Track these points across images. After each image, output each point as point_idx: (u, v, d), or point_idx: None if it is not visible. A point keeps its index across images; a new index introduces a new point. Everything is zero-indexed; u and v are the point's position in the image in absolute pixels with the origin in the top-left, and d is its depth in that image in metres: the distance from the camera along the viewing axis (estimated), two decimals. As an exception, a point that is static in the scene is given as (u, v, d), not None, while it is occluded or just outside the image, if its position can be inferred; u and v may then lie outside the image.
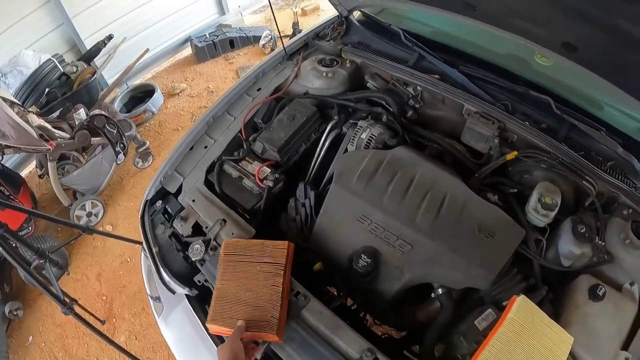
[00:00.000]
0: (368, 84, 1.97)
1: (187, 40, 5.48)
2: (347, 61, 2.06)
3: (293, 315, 1.34)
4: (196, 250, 1.56)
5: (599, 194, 1.60)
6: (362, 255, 1.41)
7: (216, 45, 5.33)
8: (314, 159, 1.80)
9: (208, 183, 1.74)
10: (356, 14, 2.34)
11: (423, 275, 1.43)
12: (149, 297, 1.90)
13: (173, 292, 1.72)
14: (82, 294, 3.20)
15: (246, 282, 1.36)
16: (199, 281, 1.60)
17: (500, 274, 1.39)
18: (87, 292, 3.23)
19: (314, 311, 1.35)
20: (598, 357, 1.33)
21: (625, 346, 1.35)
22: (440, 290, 1.43)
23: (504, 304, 1.34)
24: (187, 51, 5.61)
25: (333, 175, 1.55)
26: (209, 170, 1.77)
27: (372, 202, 1.45)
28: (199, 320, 1.64)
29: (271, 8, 2.07)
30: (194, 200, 1.67)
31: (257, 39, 5.48)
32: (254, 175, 1.71)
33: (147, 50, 4.39)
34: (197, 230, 1.65)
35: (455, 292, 1.45)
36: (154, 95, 4.66)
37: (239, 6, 5.95)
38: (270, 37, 5.31)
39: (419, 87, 1.85)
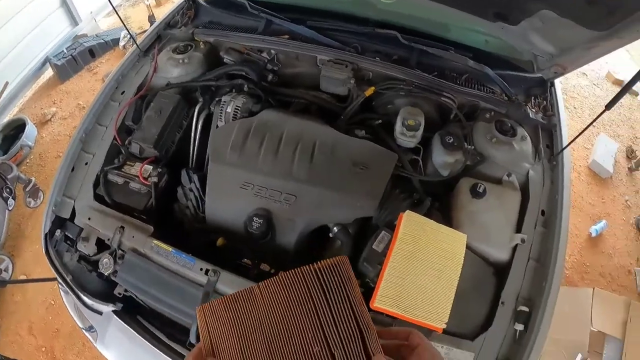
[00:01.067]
0: (225, 60, 2.01)
1: (46, 61, 5.09)
2: (201, 43, 2.07)
3: (209, 290, 1.40)
4: (106, 264, 1.57)
5: (460, 105, 1.80)
6: (254, 218, 1.49)
7: (76, 58, 5.01)
8: (191, 144, 1.84)
9: (98, 197, 1.73)
10: None
11: (314, 219, 1.54)
12: (82, 330, 1.88)
13: (100, 313, 1.72)
14: (21, 353, 3.04)
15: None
16: (120, 293, 1.62)
17: (384, 198, 1.54)
18: (25, 350, 3.08)
19: (227, 282, 1.42)
20: (495, 245, 1.52)
21: (519, 230, 1.56)
22: (335, 228, 1.55)
23: (395, 223, 1.47)
24: (49, 72, 5.21)
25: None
26: (96, 184, 1.76)
27: (249, 168, 1.54)
28: (133, 331, 1.65)
29: (115, 10, 2.03)
30: (89, 219, 1.66)
31: (116, 41, 5.23)
32: (138, 177, 1.71)
33: (7, 84, 4.06)
34: (102, 245, 1.65)
35: (352, 226, 1.58)
36: (26, 129, 4.31)
37: (91, 12, 5.58)
38: (128, 36, 5.09)
39: (272, 51, 1.93)
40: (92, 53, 5.14)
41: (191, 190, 1.70)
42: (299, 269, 0.69)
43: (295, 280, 0.68)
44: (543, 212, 1.62)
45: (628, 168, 4.26)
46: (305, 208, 1.52)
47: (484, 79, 1.87)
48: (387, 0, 1.92)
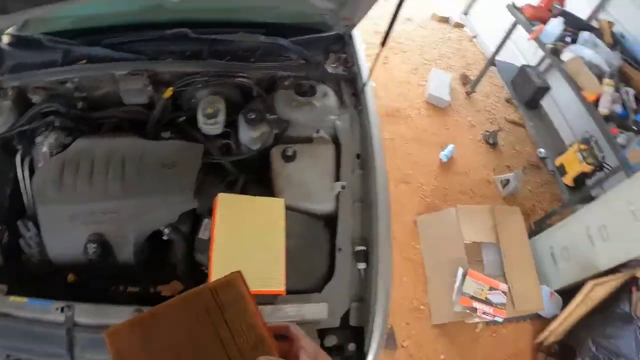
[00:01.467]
0: (33, 100, 1.98)
1: None
2: (9, 90, 2.01)
3: (69, 326, 1.40)
4: None
5: (259, 81, 1.93)
6: (88, 245, 1.52)
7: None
8: (24, 193, 1.81)
9: None
10: (5, 38, 2.24)
11: (141, 229, 1.60)
12: None
13: None
14: None
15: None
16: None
17: (200, 187, 1.64)
18: None
19: (84, 313, 1.42)
20: (318, 199, 1.67)
21: (338, 178, 1.69)
22: (166, 230, 1.61)
23: None
24: None
25: None
26: None
27: (70, 200, 1.57)
28: None
29: None
30: None
31: None
32: (-22, 240, 1.67)
33: None
34: None
35: (184, 223, 1.66)
36: None
37: None
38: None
39: (75, 79, 1.93)
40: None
41: (31, 238, 1.68)
42: (195, 289, 0.77)
43: (193, 301, 0.76)
44: (358, 156, 1.77)
45: (466, 93, 4.74)
46: (129, 221, 1.57)
47: (281, 49, 2.01)
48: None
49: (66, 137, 1.79)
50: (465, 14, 5.89)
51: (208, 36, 1.93)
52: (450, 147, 4.02)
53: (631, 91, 3.11)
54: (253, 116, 1.77)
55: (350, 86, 2.00)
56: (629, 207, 2.65)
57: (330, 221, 1.65)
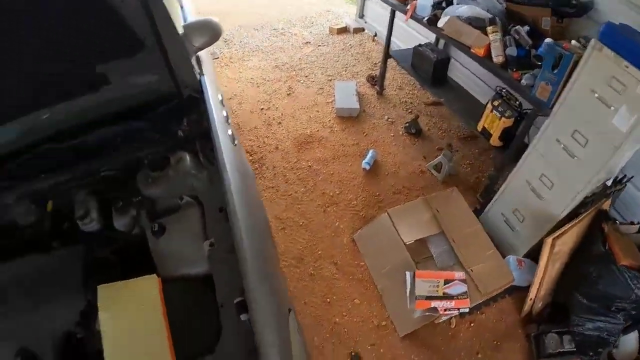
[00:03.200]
0: None
1: None
2: None
3: None
4: None
5: (124, 169, 1.91)
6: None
7: None
8: None
9: None
10: None
11: (55, 334, 1.63)
12: None
13: None
14: None
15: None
16: None
17: (86, 283, 1.69)
18: None
19: None
20: (192, 263, 1.67)
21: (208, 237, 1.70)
22: (76, 329, 1.63)
23: None
24: None
25: None
26: None
27: None
28: None
29: None
30: None
31: None
32: None
33: None
34: None
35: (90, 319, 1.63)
36: None
37: None
38: None
39: None
40: None
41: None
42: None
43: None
44: (221, 209, 1.75)
45: (376, 93, 4.72)
46: (42, 330, 1.61)
47: (138, 131, 1.95)
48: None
49: None
50: (361, 16, 5.97)
51: (67, 144, 1.87)
52: (370, 152, 3.93)
53: (522, 29, 2.96)
54: (120, 204, 1.81)
55: (207, 141, 1.93)
56: (559, 146, 2.57)
57: (209, 280, 1.64)
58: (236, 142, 2.14)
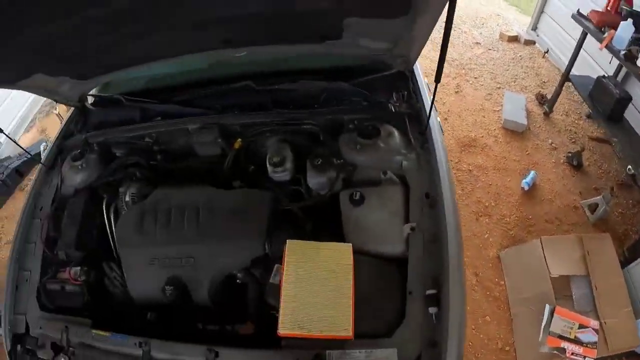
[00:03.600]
0: (117, 154, 2.17)
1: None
2: (95, 145, 2.22)
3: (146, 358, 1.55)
4: None
5: (325, 125, 1.96)
6: (165, 287, 1.64)
7: (6, 182, 5.02)
8: (110, 237, 1.98)
9: (44, 306, 1.85)
10: (89, 99, 2.49)
11: (216, 272, 1.70)
12: None
13: None
14: None
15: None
16: None
17: (271, 233, 1.70)
18: None
19: (158, 349, 1.55)
20: (388, 242, 1.66)
21: (408, 219, 1.65)
22: (239, 274, 1.70)
23: None
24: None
25: None
26: (39, 296, 1.87)
27: (150, 244, 1.72)
28: None
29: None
30: (40, 327, 1.79)
31: (39, 155, 5.23)
32: (69, 280, 1.84)
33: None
34: (58, 348, 1.74)
35: (257, 267, 1.72)
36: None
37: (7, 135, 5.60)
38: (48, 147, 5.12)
39: (152, 134, 2.10)
40: (19, 173, 5.17)
41: (115, 278, 1.85)
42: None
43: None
44: (427, 195, 1.70)
45: (543, 113, 4.47)
46: (204, 265, 1.68)
47: (343, 92, 2.05)
48: (240, 54, 2.06)
49: (146, 187, 1.96)
50: (534, 29, 5.64)
51: (269, 87, 2.04)
52: (532, 173, 3.81)
53: None
54: (319, 162, 1.80)
55: (416, 123, 1.96)
56: None
57: (400, 264, 1.61)
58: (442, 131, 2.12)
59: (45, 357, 1.77)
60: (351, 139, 1.86)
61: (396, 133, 1.89)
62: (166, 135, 2.11)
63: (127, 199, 1.93)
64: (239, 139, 1.93)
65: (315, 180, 1.82)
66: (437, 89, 1.64)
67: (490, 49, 5.41)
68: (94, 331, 1.67)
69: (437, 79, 1.56)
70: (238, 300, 1.75)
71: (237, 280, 1.71)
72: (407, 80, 2.10)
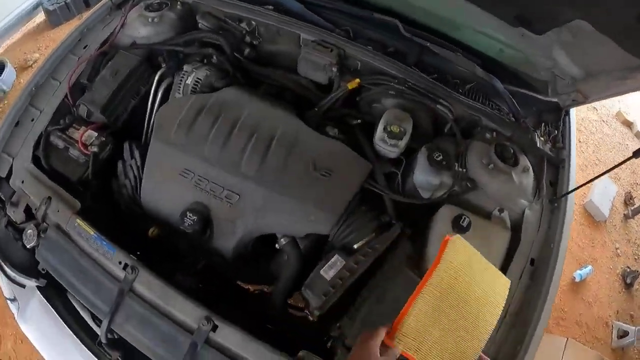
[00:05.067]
0: (200, 25, 1.76)
1: (38, 4, 4.77)
2: (178, 3, 1.81)
3: (124, 288, 1.23)
4: (29, 236, 1.41)
5: (458, 118, 1.55)
6: (188, 213, 1.27)
7: (69, 5, 4.69)
8: (147, 114, 1.60)
9: (37, 160, 1.53)
10: None
11: (258, 226, 1.31)
12: (6, 300, 1.72)
13: (23, 286, 1.56)
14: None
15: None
16: (44, 269, 1.44)
17: (347, 214, 1.30)
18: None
19: (145, 283, 1.23)
20: None
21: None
22: (283, 240, 1.32)
23: (355, 247, 1.25)
24: (40, 17, 4.91)
25: None
26: (37, 145, 1.55)
27: (193, 152, 1.31)
28: (54, 311, 1.50)
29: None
30: (23, 182, 1.48)
31: (115, -10, 4.91)
32: (78, 143, 1.49)
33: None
34: (31, 214, 1.48)
35: (304, 240, 1.35)
36: (5, 72, 4.05)
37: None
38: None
39: (253, 22, 1.68)
40: (87, 2, 4.83)
41: (131, 167, 1.47)
42: None
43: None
44: (532, 262, 1.39)
45: (624, 214, 4.08)
46: (249, 211, 1.29)
47: (490, 92, 1.63)
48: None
49: (218, 79, 1.55)
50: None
51: (420, 41, 1.58)
52: (588, 268, 3.50)
53: None
54: (440, 157, 1.39)
55: (551, 172, 1.58)
56: None
57: None
58: None
59: (13, 216, 1.48)
60: (486, 152, 1.46)
61: (531, 172, 1.51)
62: (269, 32, 1.70)
63: (189, 81, 1.52)
64: (357, 80, 1.49)
65: (423, 177, 1.40)
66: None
67: (604, 121, 4.96)
68: (78, 220, 1.34)
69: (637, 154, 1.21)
70: (261, 267, 1.42)
71: (276, 245, 1.35)
72: (560, 118, 1.67)
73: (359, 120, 1.50)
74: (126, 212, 1.49)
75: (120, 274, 1.24)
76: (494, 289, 1.11)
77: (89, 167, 1.48)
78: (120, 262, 1.25)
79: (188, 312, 1.17)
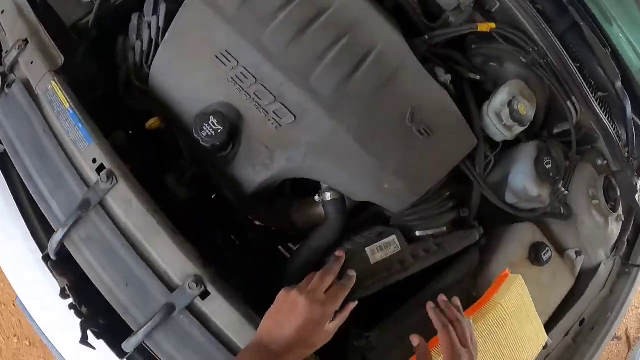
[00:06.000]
0: None
1: None
2: None
3: (90, 198, 0.83)
4: None
5: (579, 125, 1.23)
6: (211, 117, 0.87)
7: None
8: None
9: None
10: None
11: (305, 167, 0.92)
12: None
13: None
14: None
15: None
16: None
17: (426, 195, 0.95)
18: None
19: (122, 201, 0.83)
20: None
21: (549, 326, 1.11)
22: (328, 194, 0.94)
23: (417, 234, 0.93)
24: None
25: None
26: None
27: (245, 32, 0.87)
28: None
29: None
30: (2, 12, 1.03)
31: None
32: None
33: None
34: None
35: (351, 201, 1.00)
36: None
37: None
38: None
39: None
40: None
41: (149, 26, 1.02)
42: None
43: None
44: (582, 322, 1.20)
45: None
46: (301, 143, 0.89)
47: (617, 113, 1.32)
48: None
49: None
50: None
51: (576, 14, 1.17)
52: None
53: None
54: (549, 165, 1.06)
55: (633, 230, 1.38)
56: None
57: None
58: None
59: None
60: (593, 181, 1.21)
61: (621, 224, 1.29)
62: None
63: None
64: (493, 24, 1.08)
65: (522, 181, 1.08)
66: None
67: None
68: (53, 83, 0.90)
69: None
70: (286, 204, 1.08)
71: (316, 196, 0.97)
72: None
73: (478, 77, 1.10)
74: (124, 88, 1.07)
75: (92, 176, 0.85)
76: (530, 345, 0.99)
77: (91, 11, 1.04)
78: (94, 161, 0.85)
79: (173, 262, 0.81)
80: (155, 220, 0.81)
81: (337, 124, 0.84)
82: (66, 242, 0.83)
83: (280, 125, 0.87)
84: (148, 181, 0.88)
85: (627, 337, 3.16)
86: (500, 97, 1.01)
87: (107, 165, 0.83)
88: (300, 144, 0.87)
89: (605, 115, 1.25)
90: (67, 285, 0.89)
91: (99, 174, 0.82)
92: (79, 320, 0.87)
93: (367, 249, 0.88)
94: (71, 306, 0.88)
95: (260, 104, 0.86)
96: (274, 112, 0.86)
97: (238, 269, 1.10)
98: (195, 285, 0.77)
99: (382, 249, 0.89)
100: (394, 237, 0.90)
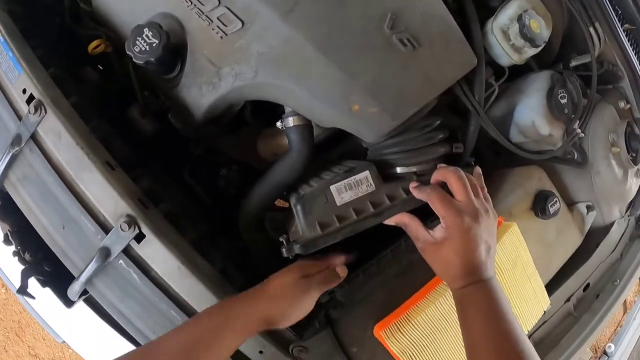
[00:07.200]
0: None
1: None
2: None
3: (21, 133, 0.74)
4: None
5: (601, 59, 1.08)
6: (145, 30, 0.71)
7: None
8: None
9: None
10: None
11: (258, 86, 0.74)
12: None
13: None
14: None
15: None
16: None
17: (412, 125, 0.77)
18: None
19: (51, 132, 0.72)
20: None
21: (548, 289, 0.97)
22: (291, 119, 0.76)
23: (398, 170, 0.76)
24: None
25: None
26: None
27: None
28: None
29: None
30: None
31: None
32: None
33: None
34: None
35: (326, 132, 0.85)
36: None
37: None
38: None
39: None
40: None
41: None
42: None
43: None
44: (586, 287, 1.07)
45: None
46: (251, 55, 0.71)
47: None
48: None
49: None
50: None
51: None
52: None
53: None
54: (564, 99, 0.90)
55: None
56: None
57: None
58: None
59: None
60: (614, 126, 1.08)
61: None
62: None
63: None
64: None
65: (530, 116, 0.92)
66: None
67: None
68: None
69: None
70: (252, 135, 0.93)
71: (278, 122, 0.78)
72: None
73: None
74: (69, 13, 0.91)
75: (23, 107, 0.74)
76: (529, 308, 0.88)
77: None
78: (24, 91, 0.73)
79: (105, 200, 0.70)
80: (84, 153, 0.69)
81: (292, 29, 0.67)
82: (5, 183, 0.76)
83: (226, 34, 0.70)
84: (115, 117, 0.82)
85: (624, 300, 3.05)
86: (508, 11, 0.82)
87: (35, 95, 0.71)
88: (249, 55, 0.70)
89: (633, 51, 1.08)
90: (8, 230, 0.84)
91: (28, 105, 0.72)
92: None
93: (332, 186, 0.72)
94: (14, 253, 0.85)
95: (203, 10, 0.70)
96: (218, 18, 0.69)
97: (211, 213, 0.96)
98: (127, 226, 0.67)
99: (352, 188, 0.72)
100: (366, 173, 0.72)
